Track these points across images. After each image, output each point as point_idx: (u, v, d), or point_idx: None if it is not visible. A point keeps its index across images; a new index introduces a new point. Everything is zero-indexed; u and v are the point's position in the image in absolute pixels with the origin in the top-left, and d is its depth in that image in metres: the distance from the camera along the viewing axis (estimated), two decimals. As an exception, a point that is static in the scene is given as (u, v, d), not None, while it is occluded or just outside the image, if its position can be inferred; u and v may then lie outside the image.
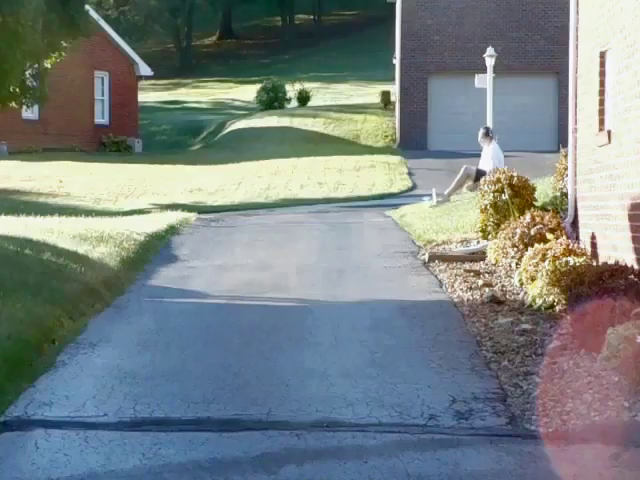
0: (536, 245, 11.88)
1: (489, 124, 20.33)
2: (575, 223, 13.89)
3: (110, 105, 42.07)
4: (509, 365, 8.59)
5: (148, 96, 53.31)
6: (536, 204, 15.31)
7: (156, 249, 15.76)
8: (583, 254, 11.39)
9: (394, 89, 41.34)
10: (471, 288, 12.03)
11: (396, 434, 6.82)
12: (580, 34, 13.87)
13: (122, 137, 40.87)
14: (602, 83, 12.62)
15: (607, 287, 9.05)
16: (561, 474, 6.13)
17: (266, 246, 16.23)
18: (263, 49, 71.23)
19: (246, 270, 13.84)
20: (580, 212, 13.76)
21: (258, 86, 47.45)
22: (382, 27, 61.16)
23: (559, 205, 15.14)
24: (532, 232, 12.97)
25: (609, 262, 10.54)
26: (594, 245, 12.68)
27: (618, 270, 9.40)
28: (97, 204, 25.28)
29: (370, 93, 49.34)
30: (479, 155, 25.36)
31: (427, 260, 14.19)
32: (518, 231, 13.15)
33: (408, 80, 37.13)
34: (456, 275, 12.99)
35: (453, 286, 12.29)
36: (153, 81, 56.07)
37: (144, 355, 8.99)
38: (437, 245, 15.47)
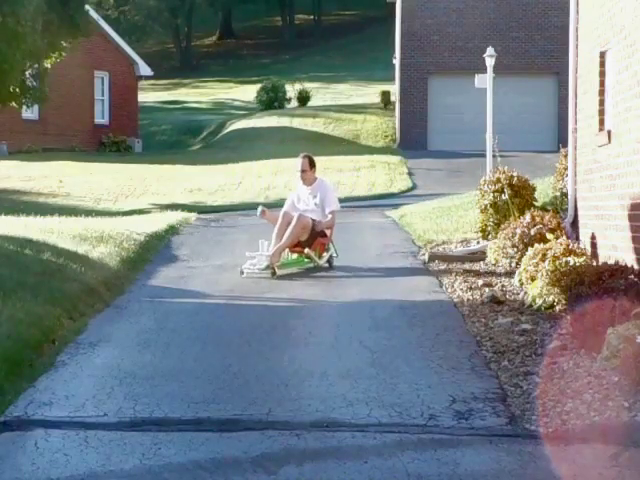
0: (536, 245, 11.88)
1: (489, 124, 20.27)
2: (575, 223, 13.90)
3: (110, 105, 42.10)
4: (509, 365, 8.59)
5: (148, 96, 53.35)
6: (536, 204, 15.32)
7: (156, 249, 15.77)
8: (583, 254, 11.39)
9: (394, 89, 41.36)
10: (471, 288, 12.03)
11: (396, 434, 6.81)
12: (580, 34, 13.87)
13: (122, 137, 40.91)
14: (602, 83, 12.62)
15: (607, 287, 9.04)
16: (561, 474, 6.13)
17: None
18: (263, 49, 71.26)
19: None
20: (580, 212, 13.76)
21: (258, 86, 47.49)
22: (382, 27, 61.22)
23: (559, 205, 15.15)
24: (532, 232, 12.98)
25: (609, 262, 10.54)
26: (594, 245, 12.69)
27: (618, 270, 9.40)
28: (97, 204, 25.29)
29: (370, 93, 49.38)
30: (479, 155, 25.31)
31: (427, 260, 14.20)
32: (518, 231, 13.15)
33: (408, 80, 37.14)
34: (456, 275, 12.99)
35: (453, 286, 12.29)
36: (153, 81, 56.12)
37: (144, 355, 8.99)
38: (437, 245, 15.48)
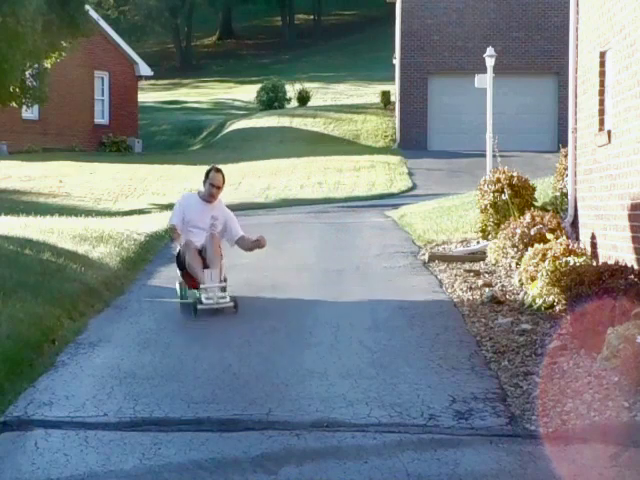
0: (536, 245, 11.88)
1: (489, 124, 20.29)
2: (575, 223, 13.89)
3: (110, 105, 42.10)
4: (509, 365, 8.59)
5: (148, 96, 53.33)
6: (536, 204, 15.32)
7: (156, 249, 15.76)
8: (583, 254, 11.39)
9: (394, 89, 41.36)
10: (471, 288, 12.03)
11: (396, 434, 6.82)
12: (580, 34, 13.87)
13: (122, 137, 40.92)
14: (602, 83, 12.62)
15: (607, 287, 9.05)
16: (561, 474, 6.13)
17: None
18: (263, 49, 71.26)
19: (245, 270, 13.82)
20: (580, 212, 13.76)
21: (258, 86, 47.52)
22: (382, 27, 61.23)
23: (559, 205, 15.14)
24: (532, 232, 12.97)
25: (609, 262, 10.54)
26: (594, 245, 12.68)
27: (618, 270, 9.40)
28: (97, 204, 25.31)
29: (370, 93, 49.38)
30: (479, 155, 25.32)
31: (427, 260, 14.20)
32: (518, 231, 13.15)
33: (408, 80, 37.14)
34: (456, 275, 13.00)
35: (453, 286, 12.29)
36: (153, 81, 56.13)
37: (144, 355, 8.99)
38: (437, 245, 15.48)
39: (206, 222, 11.59)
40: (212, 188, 11.74)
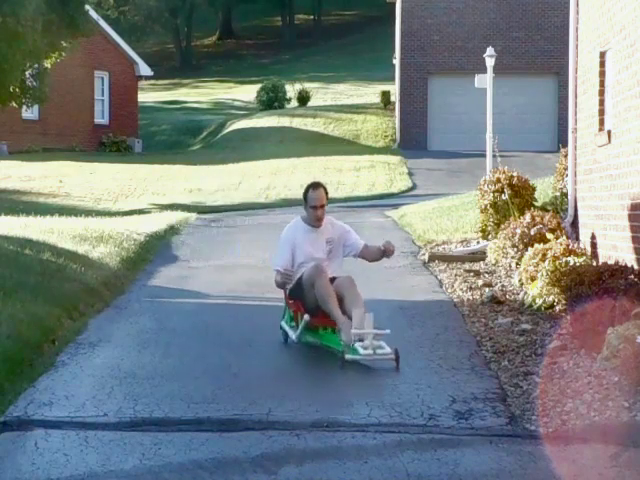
0: (536, 245, 11.88)
1: (489, 124, 20.28)
2: (575, 223, 13.89)
3: (110, 105, 42.09)
4: (509, 365, 8.59)
5: (148, 96, 53.32)
6: (536, 204, 15.32)
7: (156, 249, 15.77)
8: (583, 254, 11.39)
9: (394, 89, 41.36)
10: (471, 288, 12.03)
11: (396, 434, 6.81)
12: (580, 34, 13.87)
13: (122, 137, 40.90)
14: (602, 83, 12.62)
15: (607, 287, 9.05)
16: (561, 474, 6.13)
17: (266, 246, 16.21)
18: (263, 49, 71.25)
19: (246, 270, 13.84)
20: (580, 212, 13.76)
21: (258, 86, 47.51)
22: (382, 27, 61.21)
23: (559, 205, 15.14)
24: (532, 232, 12.97)
25: (609, 262, 10.54)
26: (594, 245, 12.68)
27: (618, 270, 9.40)
28: (97, 204, 25.30)
29: (370, 93, 49.36)
30: (479, 155, 25.31)
31: (427, 260, 14.20)
32: (518, 231, 13.15)
33: (408, 80, 37.14)
34: (456, 275, 13.00)
35: (453, 286, 12.29)
36: (153, 81, 56.12)
37: (144, 355, 8.99)
38: (437, 245, 15.48)
39: (323, 249, 9.75)
40: (316, 210, 9.69)
